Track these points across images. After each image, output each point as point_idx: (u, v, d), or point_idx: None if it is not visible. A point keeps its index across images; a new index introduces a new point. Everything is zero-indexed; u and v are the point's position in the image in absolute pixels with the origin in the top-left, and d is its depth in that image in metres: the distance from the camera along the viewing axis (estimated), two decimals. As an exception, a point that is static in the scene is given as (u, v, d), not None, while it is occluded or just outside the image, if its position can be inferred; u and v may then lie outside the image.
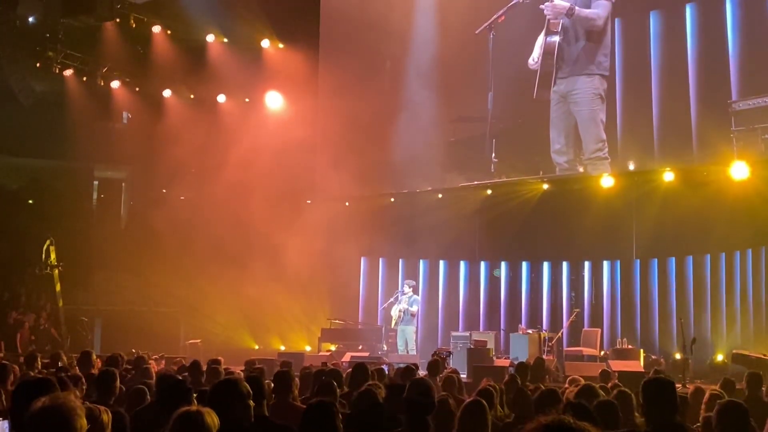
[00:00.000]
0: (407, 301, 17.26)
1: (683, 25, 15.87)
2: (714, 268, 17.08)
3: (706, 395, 6.97)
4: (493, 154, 17.70)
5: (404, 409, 5.07)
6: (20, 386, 4.69)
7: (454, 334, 17.73)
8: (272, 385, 6.65)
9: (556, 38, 16.68)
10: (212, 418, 3.54)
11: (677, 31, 15.95)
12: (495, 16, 17.11)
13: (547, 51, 16.73)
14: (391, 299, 17.80)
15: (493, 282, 19.87)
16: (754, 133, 14.72)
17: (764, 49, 15.01)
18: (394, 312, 17.37)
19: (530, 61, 17.01)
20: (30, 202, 22.66)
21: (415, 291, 17.81)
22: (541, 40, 16.83)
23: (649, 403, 4.85)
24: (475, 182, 18.29)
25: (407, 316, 17.18)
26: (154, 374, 8.59)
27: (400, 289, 17.96)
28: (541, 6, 16.57)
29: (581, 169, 16.89)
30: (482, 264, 20.00)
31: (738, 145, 14.79)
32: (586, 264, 19.05)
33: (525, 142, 17.85)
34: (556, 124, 17.11)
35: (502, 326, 18.88)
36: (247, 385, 4.44)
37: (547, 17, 16.61)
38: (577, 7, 16.43)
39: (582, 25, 16.62)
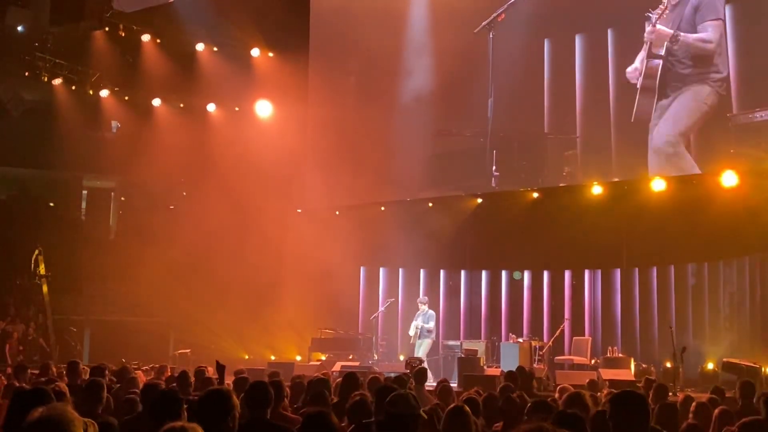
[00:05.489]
0: (422, 317, 17.21)
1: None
2: (707, 276, 17.10)
3: (693, 404, 7.05)
4: (494, 167, 17.10)
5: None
6: (16, 397, 4.66)
7: (444, 342, 17.68)
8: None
9: (660, 60, 15.23)
10: None
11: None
12: (495, 14, 16.69)
13: (649, 74, 15.31)
14: (415, 322, 17.33)
15: (484, 291, 19.82)
16: (758, 149, 14.12)
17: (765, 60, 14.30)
18: (412, 330, 17.30)
19: (629, 69, 15.65)
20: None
21: (429, 306, 17.67)
22: (642, 56, 15.45)
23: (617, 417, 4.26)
24: (463, 193, 18.14)
25: (424, 332, 17.15)
26: (140, 384, 8.51)
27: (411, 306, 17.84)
28: (645, 34, 15.28)
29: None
30: (469, 273, 19.95)
31: (740, 160, 14.28)
32: (577, 273, 19.03)
33: (529, 153, 17.07)
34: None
35: (492, 335, 18.84)
36: (234, 396, 4.42)
37: (649, 41, 15.31)
38: (682, 34, 14.96)
39: (691, 50, 15.00)
